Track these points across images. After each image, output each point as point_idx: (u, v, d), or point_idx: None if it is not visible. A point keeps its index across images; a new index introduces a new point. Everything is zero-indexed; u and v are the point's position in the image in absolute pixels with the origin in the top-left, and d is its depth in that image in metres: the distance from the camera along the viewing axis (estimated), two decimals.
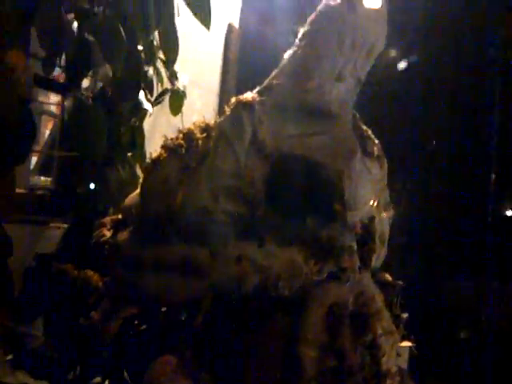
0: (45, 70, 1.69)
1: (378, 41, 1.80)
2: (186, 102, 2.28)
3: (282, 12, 2.82)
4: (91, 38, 1.68)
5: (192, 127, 1.75)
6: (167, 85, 2.10)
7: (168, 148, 1.71)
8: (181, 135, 1.73)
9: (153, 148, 2.00)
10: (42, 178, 2.24)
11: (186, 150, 1.70)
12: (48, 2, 1.58)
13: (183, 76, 2.26)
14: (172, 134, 1.80)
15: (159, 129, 2.26)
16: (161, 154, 1.72)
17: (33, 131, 1.50)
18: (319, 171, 1.68)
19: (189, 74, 2.31)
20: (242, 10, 2.89)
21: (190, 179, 1.65)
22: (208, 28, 1.77)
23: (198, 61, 2.60)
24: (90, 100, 1.74)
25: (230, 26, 2.78)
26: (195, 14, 1.78)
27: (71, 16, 1.70)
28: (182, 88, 2.12)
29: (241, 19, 2.88)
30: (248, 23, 2.87)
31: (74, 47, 1.58)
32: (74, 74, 1.66)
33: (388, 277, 1.74)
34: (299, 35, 1.77)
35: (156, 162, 1.72)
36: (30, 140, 1.49)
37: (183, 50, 1.99)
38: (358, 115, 1.81)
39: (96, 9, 1.76)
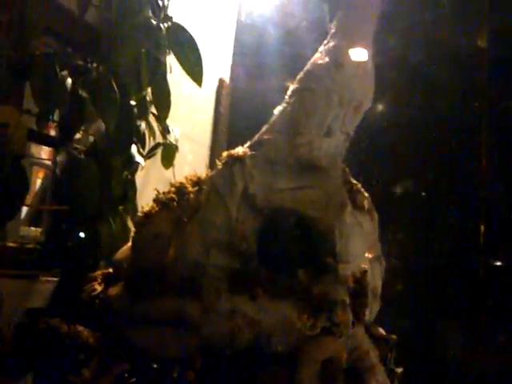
0: (38, 126, 1.71)
1: (366, 97, 1.85)
2: (178, 155, 2.30)
3: (271, 67, 2.90)
4: (85, 94, 1.70)
5: (184, 181, 1.77)
6: (159, 138, 2.13)
7: (160, 202, 1.72)
8: (173, 189, 1.75)
9: (144, 201, 2.01)
10: (33, 229, 2.23)
11: (178, 203, 1.71)
12: (43, 59, 1.61)
13: (175, 129, 2.29)
14: (164, 187, 1.82)
15: (151, 181, 2.27)
16: (153, 208, 1.72)
17: (25, 187, 1.51)
18: (310, 224, 1.70)
19: (180, 127, 2.34)
20: (232, 65, 2.96)
21: (182, 233, 1.66)
22: (200, 85, 1.82)
23: (190, 114, 2.64)
24: (83, 154, 1.75)
25: (221, 81, 2.84)
26: (187, 72, 1.82)
27: (65, 72, 1.72)
28: (173, 141, 2.14)
29: (231, 74, 2.94)
30: (238, 78, 2.93)
31: (68, 103, 1.60)
32: (67, 129, 1.68)
33: (382, 331, 1.73)
34: (288, 92, 1.81)
35: (148, 215, 1.72)
36: (22, 196, 1.50)
37: (175, 103, 2.03)
38: (347, 169, 1.85)
39: (90, 65, 1.80)
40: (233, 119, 2.86)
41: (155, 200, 1.73)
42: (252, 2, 3.07)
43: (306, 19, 2.93)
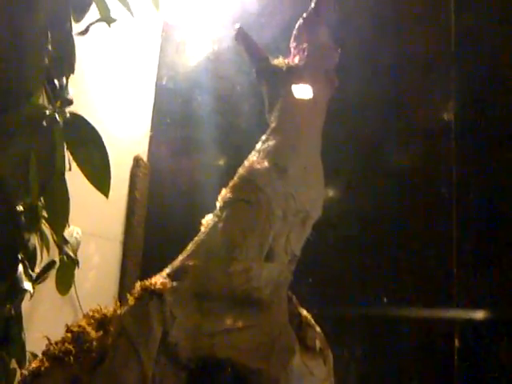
0: None
1: (314, 207, 1.62)
2: (83, 257, 1.99)
3: (195, 142, 2.65)
4: None
5: (83, 323, 1.46)
6: (53, 252, 1.80)
7: (51, 356, 1.39)
8: (68, 335, 1.43)
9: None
10: None
11: (76, 357, 1.39)
12: None
13: (75, 230, 1.97)
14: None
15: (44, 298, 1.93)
16: (42, 364, 1.40)
17: None
18: (250, 379, 1.43)
19: (83, 225, 2.03)
20: (150, 140, 2.67)
21: None
22: (106, 195, 1.53)
23: (96, 205, 2.32)
24: None
25: (137, 159, 2.53)
26: (89, 178, 1.53)
27: None
28: (72, 254, 1.82)
29: (149, 151, 2.64)
30: (158, 155, 2.64)
31: None
32: None
33: None
34: (220, 202, 1.56)
35: (35, 374, 1.39)
36: None
37: (76, 195, 1.71)
38: (294, 298, 1.60)
39: None
40: (151, 207, 2.55)
41: (45, 353, 1.40)
42: (174, 62, 2.83)
43: (240, 84, 2.71)
